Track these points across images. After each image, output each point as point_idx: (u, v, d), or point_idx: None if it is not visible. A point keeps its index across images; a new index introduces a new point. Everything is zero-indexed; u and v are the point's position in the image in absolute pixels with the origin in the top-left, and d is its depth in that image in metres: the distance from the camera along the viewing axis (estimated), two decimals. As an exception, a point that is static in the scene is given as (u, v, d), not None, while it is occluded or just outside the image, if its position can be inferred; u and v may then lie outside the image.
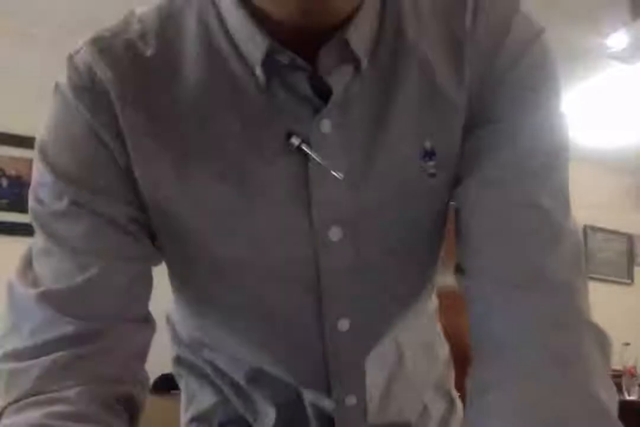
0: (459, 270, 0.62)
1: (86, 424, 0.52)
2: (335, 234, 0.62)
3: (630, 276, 4.99)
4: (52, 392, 0.53)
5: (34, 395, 0.53)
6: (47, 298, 0.56)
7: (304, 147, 0.58)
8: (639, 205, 4.98)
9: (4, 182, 2.95)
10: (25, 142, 2.87)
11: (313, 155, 0.58)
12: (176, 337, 0.84)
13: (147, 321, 0.62)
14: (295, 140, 0.58)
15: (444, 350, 0.88)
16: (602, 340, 0.56)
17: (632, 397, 3.65)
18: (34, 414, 0.51)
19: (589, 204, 3.99)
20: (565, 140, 0.62)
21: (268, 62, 0.56)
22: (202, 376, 0.82)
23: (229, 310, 0.68)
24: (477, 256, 0.60)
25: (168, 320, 0.85)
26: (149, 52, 0.58)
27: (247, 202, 0.60)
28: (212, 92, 0.58)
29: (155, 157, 0.58)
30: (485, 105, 0.61)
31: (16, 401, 0.53)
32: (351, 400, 0.72)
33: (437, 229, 0.67)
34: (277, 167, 0.59)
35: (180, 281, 0.69)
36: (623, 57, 2.79)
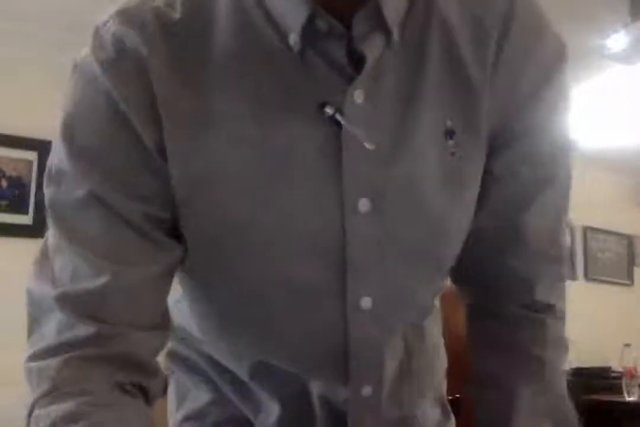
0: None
1: (114, 413, 0.55)
2: (364, 205, 0.61)
3: (630, 277, 4.98)
4: (76, 385, 0.56)
5: (59, 389, 0.55)
6: (64, 300, 0.57)
7: (338, 117, 0.58)
8: (639, 206, 4.97)
9: (4, 184, 2.95)
10: (25, 143, 2.87)
11: (347, 125, 0.58)
12: (172, 331, 0.83)
13: (162, 322, 0.63)
14: (329, 110, 0.58)
15: (443, 357, 0.87)
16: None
17: (632, 398, 3.65)
18: (67, 404, 0.54)
19: (589, 204, 3.99)
20: (569, 168, 0.71)
21: (305, 28, 0.56)
22: (196, 372, 0.81)
23: (248, 290, 0.65)
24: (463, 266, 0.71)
25: None
26: (176, 18, 0.58)
27: (277, 170, 0.59)
28: (244, 59, 0.58)
29: (188, 122, 0.58)
30: (505, 127, 0.65)
31: (45, 395, 0.55)
32: (367, 391, 0.70)
33: (464, 210, 0.68)
34: (309, 136, 0.59)
35: (198, 263, 0.66)
36: (623, 57, 2.78)
